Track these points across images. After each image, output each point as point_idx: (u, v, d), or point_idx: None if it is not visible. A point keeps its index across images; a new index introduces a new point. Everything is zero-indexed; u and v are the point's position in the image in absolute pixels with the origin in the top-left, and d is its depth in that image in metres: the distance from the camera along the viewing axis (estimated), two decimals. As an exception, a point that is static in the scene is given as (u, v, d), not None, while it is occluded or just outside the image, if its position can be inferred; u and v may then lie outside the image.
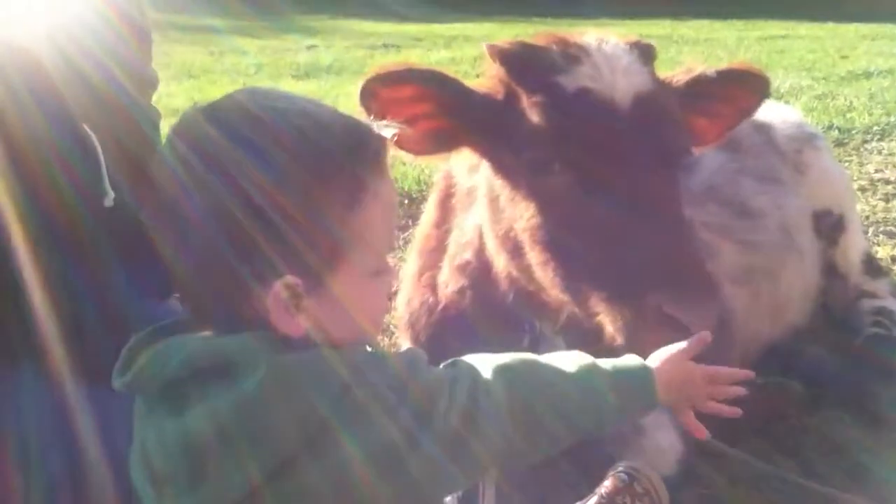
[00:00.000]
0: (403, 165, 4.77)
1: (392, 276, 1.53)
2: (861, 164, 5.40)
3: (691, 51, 11.28)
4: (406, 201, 4.50)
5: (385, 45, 12.64)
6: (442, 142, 2.02)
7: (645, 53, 1.98)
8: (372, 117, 1.49)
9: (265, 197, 1.21)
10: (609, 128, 1.84)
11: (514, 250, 1.99)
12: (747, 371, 1.64)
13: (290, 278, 1.24)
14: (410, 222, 3.99)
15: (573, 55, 1.91)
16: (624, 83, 1.87)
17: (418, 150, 2.02)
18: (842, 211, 3.32)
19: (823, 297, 3.33)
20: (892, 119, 6.44)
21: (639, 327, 1.70)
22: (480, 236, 2.16)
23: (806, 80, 8.45)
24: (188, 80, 8.99)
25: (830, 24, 14.77)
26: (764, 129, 3.23)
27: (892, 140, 5.95)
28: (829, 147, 3.65)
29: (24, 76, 1.75)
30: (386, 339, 3.13)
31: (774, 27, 14.75)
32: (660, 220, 1.79)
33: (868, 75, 8.77)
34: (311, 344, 1.27)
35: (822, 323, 3.32)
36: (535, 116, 1.87)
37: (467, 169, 2.28)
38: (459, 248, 2.26)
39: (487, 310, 2.19)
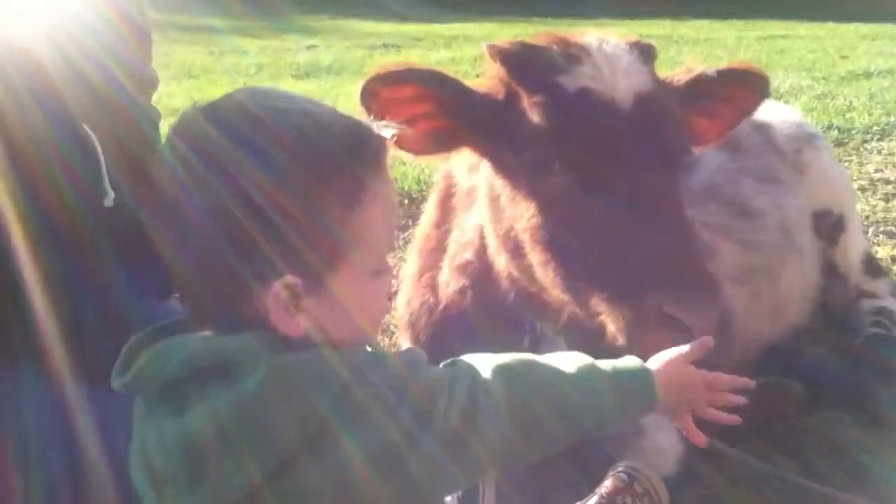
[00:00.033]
0: (403, 165, 4.77)
1: (391, 276, 1.53)
2: (861, 164, 5.41)
3: (691, 51, 11.28)
4: (406, 201, 4.50)
5: (385, 45, 12.64)
6: (442, 142, 2.02)
7: (645, 53, 1.98)
8: (372, 117, 1.49)
9: (265, 197, 1.21)
10: (609, 128, 1.84)
11: (515, 250, 1.99)
12: (747, 380, 1.63)
13: (289, 278, 1.24)
14: (410, 222, 3.99)
15: (574, 55, 1.91)
16: (624, 83, 1.87)
17: (419, 150, 2.02)
18: (842, 211, 3.32)
19: (823, 297, 3.32)
20: (892, 119, 6.44)
21: (640, 327, 1.70)
22: (481, 236, 2.16)
23: (806, 79, 8.45)
24: (188, 80, 8.99)
25: (830, 24, 14.77)
26: (764, 129, 3.23)
27: (891, 140, 5.95)
28: (828, 147, 3.65)
29: (24, 76, 1.75)
30: (386, 340, 3.13)
31: (774, 27, 14.75)
32: (660, 219, 1.79)
33: (868, 75, 8.78)
34: (310, 344, 1.27)
35: (822, 323, 3.32)
36: (535, 116, 1.87)
37: (467, 169, 2.28)
38: (460, 248, 2.26)
39: (488, 310, 2.19)
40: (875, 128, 6.19)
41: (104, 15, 1.96)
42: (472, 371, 1.38)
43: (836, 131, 6.06)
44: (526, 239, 1.94)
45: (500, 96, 1.98)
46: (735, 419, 1.61)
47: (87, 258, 1.87)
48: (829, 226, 3.29)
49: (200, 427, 1.20)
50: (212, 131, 1.24)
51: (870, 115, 6.58)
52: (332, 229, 1.26)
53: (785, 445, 2.59)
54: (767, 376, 2.78)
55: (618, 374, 1.50)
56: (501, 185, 2.01)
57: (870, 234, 4.16)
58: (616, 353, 1.61)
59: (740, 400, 1.61)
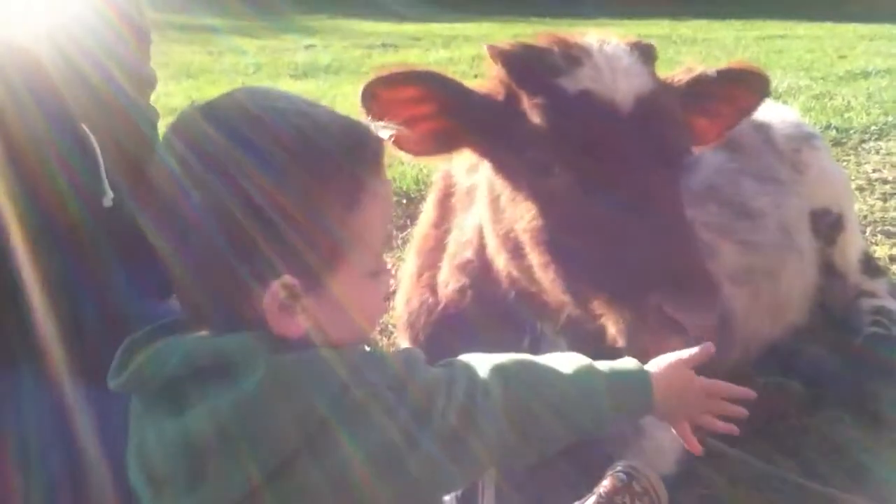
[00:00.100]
0: (402, 165, 4.77)
1: (389, 276, 1.53)
2: (859, 164, 5.41)
3: (690, 51, 11.29)
4: (404, 201, 4.50)
5: (383, 45, 12.64)
6: (443, 143, 2.02)
7: (645, 54, 1.98)
8: (371, 118, 1.49)
9: (264, 197, 1.21)
10: (610, 129, 1.84)
11: (515, 250, 1.99)
12: (747, 389, 1.61)
13: (287, 278, 1.23)
14: (409, 222, 4.00)
15: (574, 56, 1.90)
16: (625, 85, 1.87)
17: (419, 151, 2.02)
18: (840, 210, 3.33)
19: (822, 296, 3.32)
20: (890, 119, 6.45)
21: (640, 329, 1.70)
22: (481, 236, 2.16)
23: (804, 79, 8.45)
24: (187, 80, 8.98)
25: (829, 24, 14.78)
26: (762, 129, 3.23)
27: (889, 140, 5.95)
28: (827, 147, 3.65)
29: (23, 76, 1.75)
30: (385, 340, 3.13)
31: (773, 27, 14.77)
32: (661, 221, 1.78)
33: (866, 75, 8.78)
34: (310, 344, 1.27)
35: (822, 323, 3.32)
36: (535, 118, 1.87)
37: (466, 168, 2.28)
38: (460, 247, 2.26)
39: (487, 309, 2.19)
40: (873, 127, 6.19)
41: (104, 15, 1.96)
42: (469, 371, 1.38)
43: (834, 131, 6.07)
44: (526, 240, 1.93)
45: (501, 97, 1.98)
46: (732, 429, 1.60)
47: (86, 258, 1.87)
48: (828, 225, 3.30)
49: (201, 427, 1.20)
50: (211, 131, 1.24)
51: (868, 114, 6.59)
52: (331, 229, 1.26)
53: (785, 445, 2.59)
54: (767, 376, 2.79)
55: (615, 374, 1.50)
56: (502, 186, 2.01)
57: (868, 234, 4.17)
58: (616, 354, 1.61)
59: (740, 411, 1.60)
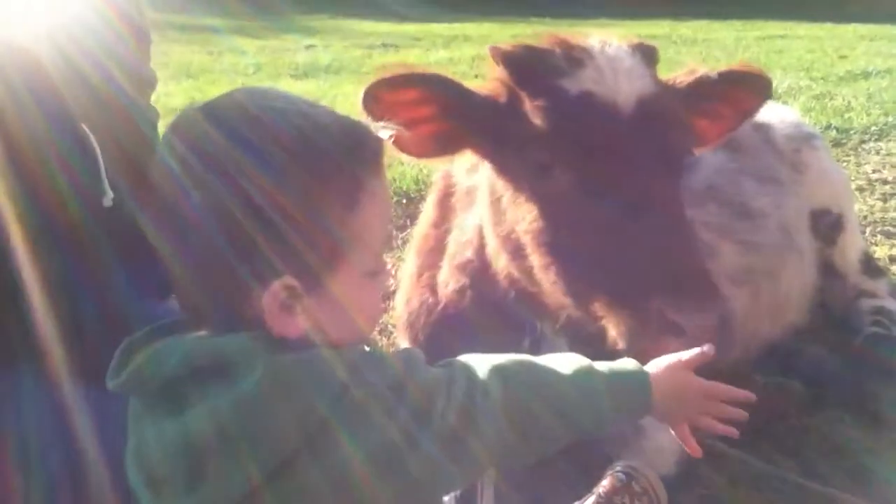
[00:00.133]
0: (402, 165, 4.77)
1: (388, 276, 1.53)
2: (859, 164, 5.40)
3: (690, 51, 11.29)
4: (404, 201, 4.50)
5: (384, 45, 12.64)
6: (444, 144, 2.02)
7: (647, 56, 1.98)
8: (373, 120, 1.49)
9: (264, 197, 1.21)
10: (612, 131, 1.83)
11: (516, 252, 1.99)
12: (747, 392, 1.61)
13: (287, 279, 1.24)
14: (409, 222, 4.00)
15: (576, 58, 1.90)
16: (627, 86, 1.87)
17: (421, 153, 2.02)
18: (840, 210, 3.33)
19: (822, 296, 3.33)
20: (890, 119, 6.44)
21: (641, 332, 1.70)
22: (481, 236, 2.16)
23: (804, 80, 8.45)
24: (187, 80, 8.98)
25: (829, 25, 14.78)
26: (762, 129, 3.23)
27: (889, 140, 5.95)
28: (827, 147, 3.65)
29: (23, 76, 1.75)
30: (384, 340, 3.13)
31: (773, 27, 14.76)
32: (662, 223, 1.78)
33: (866, 75, 8.77)
34: (309, 344, 1.27)
35: (822, 323, 3.32)
36: (537, 119, 1.87)
37: (467, 169, 2.28)
38: (460, 248, 2.26)
39: (488, 309, 2.19)
40: (873, 128, 6.18)
41: (103, 15, 1.96)
42: (469, 371, 1.38)
43: (834, 131, 6.06)
44: (527, 241, 1.93)
45: (503, 99, 1.97)
46: (732, 431, 1.60)
47: (86, 258, 1.87)
48: (828, 225, 3.30)
49: (200, 427, 1.20)
50: (211, 131, 1.24)
51: (868, 115, 6.58)
52: (331, 229, 1.27)
53: (785, 445, 2.59)
54: (767, 376, 2.78)
55: (615, 375, 1.50)
56: (503, 187, 2.01)
57: (868, 234, 4.16)
58: (616, 355, 1.61)
59: (739, 414, 1.59)
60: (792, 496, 2.33)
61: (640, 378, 1.51)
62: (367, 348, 1.37)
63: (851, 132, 6.07)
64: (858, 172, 5.21)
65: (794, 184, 3.21)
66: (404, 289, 2.53)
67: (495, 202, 2.04)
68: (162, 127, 1.77)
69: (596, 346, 1.74)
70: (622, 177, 1.80)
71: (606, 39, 1.97)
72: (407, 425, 1.25)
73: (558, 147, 1.85)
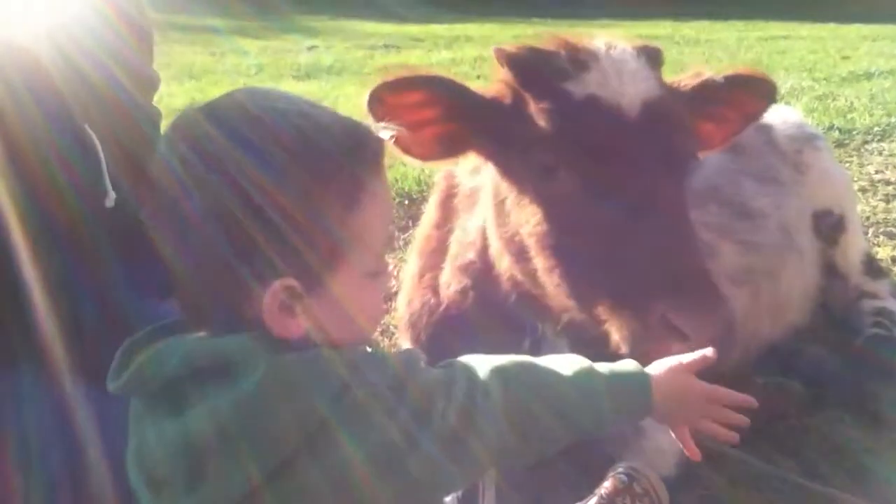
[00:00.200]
0: (404, 166, 4.76)
1: (389, 277, 1.53)
2: (861, 165, 5.40)
3: (692, 51, 11.29)
4: (406, 202, 4.49)
5: (386, 46, 12.63)
6: (449, 146, 2.03)
7: (652, 58, 1.98)
8: (374, 120, 1.49)
9: (265, 197, 1.21)
10: (616, 134, 1.83)
11: (520, 254, 1.99)
12: (747, 396, 1.60)
13: (287, 279, 1.24)
14: (411, 223, 3.99)
15: (581, 60, 1.90)
16: (632, 89, 1.87)
17: (425, 155, 2.02)
18: (842, 211, 3.32)
19: (824, 297, 3.32)
20: (893, 120, 6.43)
21: (644, 336, 1.70)
22: (484, 238, 2.16)
23: (807, 80, 8.44)
24: (189, 81, 8.97)
25: (832, 25, 14.76)
26: (764, 130, 3.23)
27: (892, 141, 5.94)
28: (829, 147, 3.64)
29: (23, 75, 1.75)
30: (386, 340, 3.13)
31: (775, 28, 14.75)
32: (667, 227, 1.78)
33: (869, 76, 8.76)
34: (310, 344, 1.27)
35: (823, 323, 3.31)
36: (542, 122, 1.87)
37: (469, 170, 2.28)
38: (462, 249, 2.26)
39: (489, 310, 2.19)
40: (876, 129, 6.18)
41: (104, 14, 1.96)
42: (469, 372, 1.38)
43: (836, 132, 6.05)
44: (531, 244, 1.93)
45: (507, 101, 1.97)
46: (733, 436, 1.60)
47: (87, 258, 1.87)
48: (830, 226, 3.29)
49: (201, 427, 1.20)
50: (212, 131, 1.24)
51: (871, 115, 6.57)
52: (331, 230, 1.27)
53: (785, 446, 2.59)
54: (767, 376, 2.78)
55: (615, 376, 1.50)
56: (507, 189, 2.01)
57: (870, 235, 4.16)
58: (618, 359, 1.61)
59: (740, 419, 1.59)
60: (792, 496, 2.33)
61: (641, 379, 1.51)
62: (368, 349, 1.37)
63: (854, 133, 6.06)
64: (861, 173, 5.20)
65: (796, 184, 3.21)
66: (406, 290, 2.53)
67: (499, 204, 2.04)
68: (164, 127, 1.77)
69: (597, 349, 1.73)
70: (626, 180, 1.80)
71: (611, 41, 1.96)
72: (407, 425, 1.25)
73: (563, 149, 1.85)
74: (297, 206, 1.22)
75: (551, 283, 1.92)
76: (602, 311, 1.79)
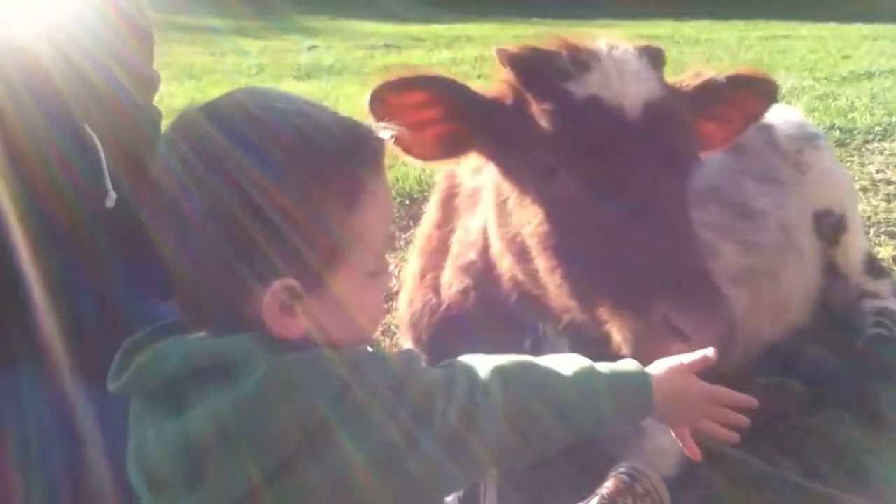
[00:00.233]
0: (405, 166, 4.76)
1: (389, 277, 1.53)
2: (863, 165, 5.39)
3: (693, 51, 11.28)
4: (407, 201, 4.49)
5: (386, 46, 12.61)
6: (450, 147, 2.03)
7: (654, 59, 1.98)
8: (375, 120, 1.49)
9: (265, 197, 1.21)
10: (618, 135, 1.83)
11: (521, 254, 1.99)
12: (748, 397, 1.60)
13: (287, 279, 1.24)
14: (412, 222, 3.99)
15: (583, 61, 1.90)
16: (633, 90, 1.87)
17: (427, 155, 2.02)
18: (843, 211, 3.32)
19: (824, 297, 3.32)
20: (894, 119, 6.42)
21: (646, 337, 1.70)
22: (485, 238, 2.16)
23: (808, 80, 8.43)
24: (189, 81, 8.96)
25: (832, 25, 14.76)
26: (765, 129, 3.23)
27: (893, 140, 5.93)
28: (830, 147, 3.64)
29: (23, 75, 1.75)
30: (387, 340, 3.13)
31: (776, 27, 14.75)
32: (668, 228, 1.78)
33: (870, 76, 8.75)
34: (310, 344, 1.27)
35: (823, 323, 3.31)
36: (544, 122, 1.87)
37: (471, 169, 2.28)
38: (464, 249, 2.26)
39: (490, 310, 2.19)
40: (877, 128, 6.17)
41: (104, 14, 1.96)
42: (470, 372, 1.38)
43: (837, 132, 6.05)
44: (533, 244, 1.93)
45: (509, 101, 1.97)
46: (734, 437, 1.60)
47: (87, 258, 1.87)
48: (831, 226, 3.29)
49: (201, 427, 1.20)
50: (212, 131, 1.24)
51: (872, 115, 6.57)
52: (331, 230, 1.26)
53: (785, 446, 2.59)
54: (768, 376, 2.78)
55: (616, 376, 1.49)
56: (509, 189, 2.01)
57: (871, 235, 4.15)
58: (618, 359, 1.61)
59: (741, 419, 1.59)
60: (792, 496, 2.33)
61: (641, 379, 1.51)
62: (368, 349, 1.37)
63: (855, 132, 6.06)
64: (862, 173, 5.20)
65: (797, 184, 3.21)
66: (407, 289, 2.53)
67: (501, 204, 2.04)
68: (164, 127, 1.77)
69: (598, 349, 1.73)
70: (628, 180, 1.80)
71: (613, 42, 1.96)
72: (407, 425, 1.25)
73: (565, 150, 1.85)
74: (297, 206, 1.22)
75: (553, 284, 1.92)
76: (603, 312, 1.79)
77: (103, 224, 1.89)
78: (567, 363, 1.48)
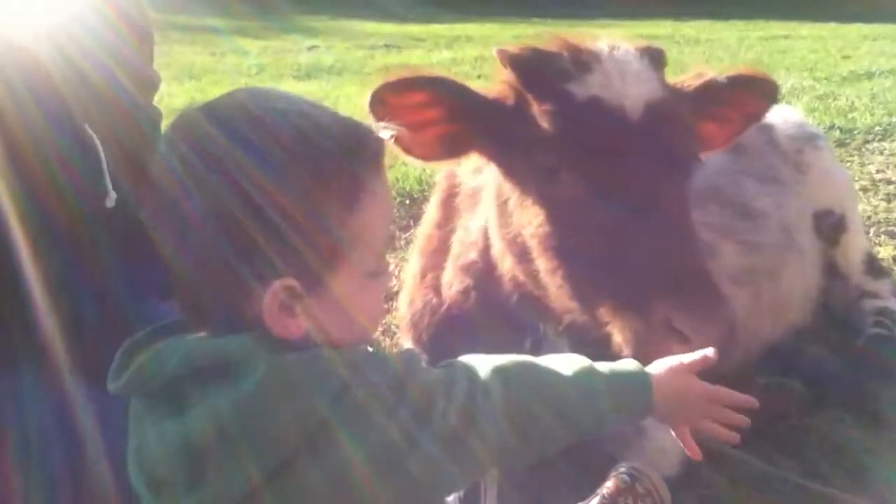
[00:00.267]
0: (405, 166, 4.76)
1: (390, 277, 1.53)
2: (863, 165, 5.39)
3: (693, 51, 11.28)
4: (407, 201, 4.49)
5: (386, 46, 12.61)
6: (451, 147, 2.03)
7: (655, 59, 1.98)
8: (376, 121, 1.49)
9: (265, 197, 1.21)
10: (619, 135, 1.83)
11: (522, 255, 1.99)
12: (748, 397, 1.60)
13: (287, 279, 1.23)
14: (412, 222, 3.99)
15: (584, 61, 1.90)
16: (634, 90, 1.87)
17: (427, 156, 2.02)
18: (843, 211, 3.32)
19: (824, 297, 3.32)
20: (894, 119, 6.42)
21: (646, 339, 1.70)
22: (486, 238, 2.16)
23: (808, 80, 8.43)
24: (189, 81, 8.96)
25: (832, 25, 14.76)
26: (765, 130, 3.23)
27: (893, 140, 5.93)
28: (830, 147, 3.64)
29: (23, 75, 1.75)
30: (388, 340, 3.13)
31: (776, 27, 14.75)
32: (669, 229, 1.78)
33: (870, 75, 8.75)
34: (310, 344, 1.27)
35: (824, 323, 3.31)
36: (545, 123, 1.87)
37: (471, 169, 2.28)
38: (464, 249, 2.26)
39: (491, 310, 2.19)
40: (877, 128, 6.17)
41: (104, 14, 1.96)
42: (470, 372, 1.38)
43: (837, 131, 6.04)
44: (534, 245, 1.93)
45: (510, 101, 1.97)
46: (734, 437, 1.59)
47: (87, 258, 1.87)
48: (831, 226, 3.29)
49: (201, 427, 1.20)
50: (212, 131, 1.24)
51: (872, 115, 6.57)
52: (331, 229, 1.26)
53: (786, 446, 2.59)
54: (768, 376, 2.78)
55: (615, 376, 1.49)
56: (510, 190, 2.01)
57: (871, 235, 4.15)
58: (618, 358, 1.61)
59: (741, 419, 1.59)
60: (792, 496, 2.33)
61: (641, 379, 1.51)
62: (368, 349, 1.37)
63: (855, 132, 6.06)
64: (862, 173, 5.20)
65: (797, 184, 3.21)
66: (408, 289, 2.53)
67: (501, 205, 2.04)
68: (164, 127, 1.77)
69: (599, 350, 1.73)
70: (629, 181, 1.80)
71: (614, 42, 1.96)
72: (407, 425, 1.25)
73: (565, 151, 1.85)
74: (297, 206, 1.22)
75: (553, 285, 1.92)
76: (604, 313, 1.79)
77: (103, 224, 1.89)
78: (567, 363, 1.48)
